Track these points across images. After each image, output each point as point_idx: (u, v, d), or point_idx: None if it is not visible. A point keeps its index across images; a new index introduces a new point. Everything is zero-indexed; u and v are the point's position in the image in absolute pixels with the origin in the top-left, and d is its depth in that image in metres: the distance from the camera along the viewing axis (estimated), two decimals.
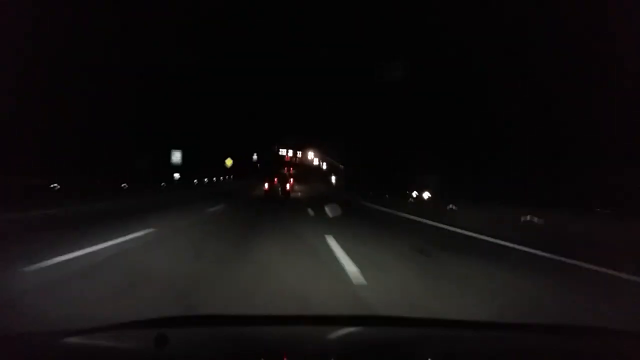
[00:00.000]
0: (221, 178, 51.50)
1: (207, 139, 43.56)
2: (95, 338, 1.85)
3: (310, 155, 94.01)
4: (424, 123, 24.31)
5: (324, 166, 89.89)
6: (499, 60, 19.11)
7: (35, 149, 19.15)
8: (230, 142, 53.56)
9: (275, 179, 26.25)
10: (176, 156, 32.66)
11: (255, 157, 62.93)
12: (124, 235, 7.13)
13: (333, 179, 67.19)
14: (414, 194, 25.32)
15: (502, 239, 8.53)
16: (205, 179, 42.37)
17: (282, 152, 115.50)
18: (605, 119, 14.92)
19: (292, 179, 46.50)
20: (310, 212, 14.92)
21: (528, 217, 10.84)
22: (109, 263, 5.32)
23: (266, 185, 25.42)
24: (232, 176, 57.01)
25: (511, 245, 7.95)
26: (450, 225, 11.17)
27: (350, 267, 5.42)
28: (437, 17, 22.55)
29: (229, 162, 39.92)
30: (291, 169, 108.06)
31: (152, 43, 23.86)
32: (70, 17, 19.33)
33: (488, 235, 9.09)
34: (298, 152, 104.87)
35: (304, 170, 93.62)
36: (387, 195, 25.35)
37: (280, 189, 25.76)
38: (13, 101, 17.51)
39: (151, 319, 2.05)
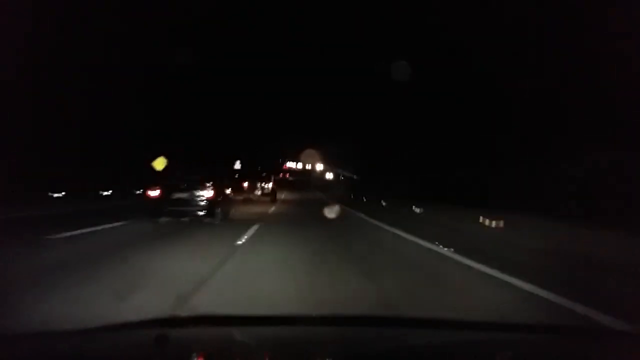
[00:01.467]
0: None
1: (205, 140, 42.56)
2: (96, 338, 1.86)
3: (319, 165, 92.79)
4: (424, 124, 24.23)
5: (327, 174, 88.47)
6: (499, 60, 19.11)
7: (35, 150, 19.13)
8: (222, 146, 49.38)
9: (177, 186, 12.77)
10: None
11: (238, 164, 48.11)
12: None
13: (335, 184, 64.02)
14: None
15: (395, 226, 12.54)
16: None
17: (290, 163, 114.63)
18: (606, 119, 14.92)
19: (266, 184, 30.38)
20: None
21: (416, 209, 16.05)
22: None
23: (151, 192, 12.55)
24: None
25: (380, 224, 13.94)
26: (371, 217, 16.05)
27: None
28: (437, 17, 22.54)
29: (158, 164, 21.54)
30: (287, 175, 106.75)
31: (151, 43, 23.84)
32: (69, 17, 19.32)
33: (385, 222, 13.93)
34: (302, 161, 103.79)
35: (305, 178, 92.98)
36: (382, 202, 22.75)
37: (182, 202, 12.37)
38: (13, 102, 17.49)
39: (151, 319, 2.08)
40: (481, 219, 10.19)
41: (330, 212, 17.29)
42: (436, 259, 7.73)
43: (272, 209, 20.99)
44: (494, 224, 9.95)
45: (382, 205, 21.09)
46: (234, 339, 1.96)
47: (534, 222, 9.70)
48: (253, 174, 30.18)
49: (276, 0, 54.10)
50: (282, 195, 33.33)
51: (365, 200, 26.88)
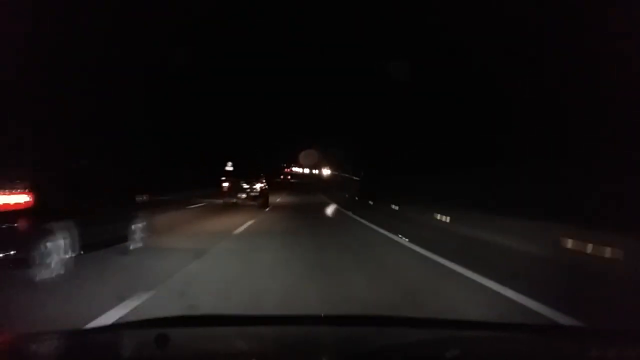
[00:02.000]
0: None
1: (205, 140, 42.21)
2: (96, 338, 1.86)
3: (325, 170, 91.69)
4: (423, 124, 24.23)
5: (329, 173, 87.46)
6: (499, 60, 19.10)
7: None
8: (223, 146, 47.93)
9: None
10: None
11: (230, 166, 42.90)
12: None
13: (336, 185, 62.92)
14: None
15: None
16: None
17: (295, 168, 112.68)
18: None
19: (254, 184, 22.18)
20: None
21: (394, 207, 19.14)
22: None
23: None
24: None
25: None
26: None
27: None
28: (437, 17, 22.57)
29: None
30: (288, 177, 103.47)
31: (151, 43, 23.89)
32: (69, 17, 19.34)
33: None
34: (303, 162, 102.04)
35: (307, 180, 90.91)
36: (370, 202, 26.22)
37: None
38: (12, 102, 17.52)
39: (152, 318, 2.09)
40: (437, 215, 13.94)
41: (327, 211, 20.75)
42: (371, 232, 13.27)
43: (252, 221, 14.59)
44: (443, 218, 13.46)
45: (370, 204, 24.82)
46: (234, 339, 1.96)
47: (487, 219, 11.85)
48: (244, 173, 22.80)
49: (276, 1, 54.02)
50: (277, 199, 28.34)
51: (357, 199, 29.59)
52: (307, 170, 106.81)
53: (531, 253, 7.56)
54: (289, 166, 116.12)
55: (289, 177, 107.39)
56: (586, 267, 6.01)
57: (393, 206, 20.34)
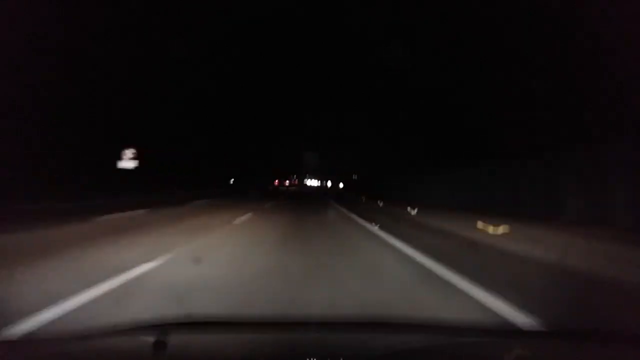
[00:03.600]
0: None
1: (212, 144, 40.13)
2: (94, 343, 1.88)
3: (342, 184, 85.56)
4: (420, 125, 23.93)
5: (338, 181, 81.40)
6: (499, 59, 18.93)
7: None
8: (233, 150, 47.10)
9: None
10: None
11: (129, 159, 30.93)
12: None
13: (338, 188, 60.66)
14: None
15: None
16: None
17: (309, 181, 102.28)
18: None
19: None
20: None
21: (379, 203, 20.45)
22: None
23: None
24: None
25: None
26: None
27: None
28: (437, 14, 22.43)
29: None
30: (286, 183, 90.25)
31: (153, 44, 23.87)
32: (69, 16, 18.63)
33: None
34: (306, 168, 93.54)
35: (312, 189, 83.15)
36: (362, 198, 28.14)
37: None
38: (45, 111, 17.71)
39: (150, 324, 2.08)
40: (408, 209, 14.76)
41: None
42: (345, 219, 14.62)
43: None
44: (413, 212, 14.27)
45: (362, 201, 27.15)
46: (232, 345, 1.96)
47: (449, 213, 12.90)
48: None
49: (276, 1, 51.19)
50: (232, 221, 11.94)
51: (353, 197, 31.75)
52: (325, 183, 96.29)
53: (456, 232, 9.70)
54: (301, 178, 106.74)
55: (287, 182, 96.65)
56: (482, 239, 8.18)
57: (379, 202, 20.81)
